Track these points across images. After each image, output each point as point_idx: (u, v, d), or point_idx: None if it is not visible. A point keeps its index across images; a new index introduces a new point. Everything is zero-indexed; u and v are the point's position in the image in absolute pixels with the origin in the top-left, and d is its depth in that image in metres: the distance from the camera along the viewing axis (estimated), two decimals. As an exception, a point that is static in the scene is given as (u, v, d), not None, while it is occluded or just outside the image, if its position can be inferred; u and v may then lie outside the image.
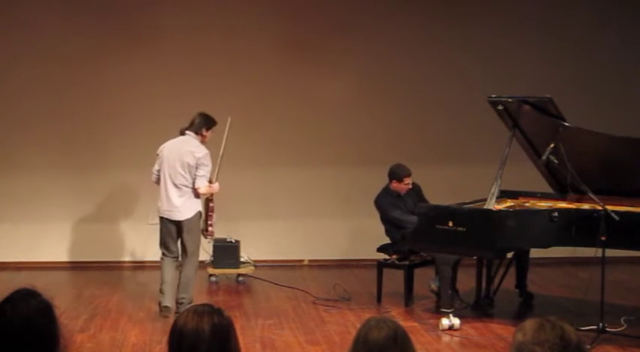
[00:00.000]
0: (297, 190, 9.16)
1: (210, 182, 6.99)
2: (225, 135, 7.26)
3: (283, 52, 9.04)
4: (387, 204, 7.41)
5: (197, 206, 6.90)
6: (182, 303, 6.76)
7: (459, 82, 9.13)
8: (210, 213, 7.15)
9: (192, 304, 6.65)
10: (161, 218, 6.92)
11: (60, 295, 7.24)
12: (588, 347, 5.73)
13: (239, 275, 8.31)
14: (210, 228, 7.15)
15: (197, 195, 6.86)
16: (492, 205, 6.50)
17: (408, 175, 7.38)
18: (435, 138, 9.19)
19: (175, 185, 6.83)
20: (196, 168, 6.78)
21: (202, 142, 6.89)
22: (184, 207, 6.84)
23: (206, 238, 7.29)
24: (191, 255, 6.90)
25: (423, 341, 6.15)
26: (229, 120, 7.28)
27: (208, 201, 7.17)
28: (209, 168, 6.87)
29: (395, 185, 7.40)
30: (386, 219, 7.46)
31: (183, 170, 6.80)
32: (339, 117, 9.15)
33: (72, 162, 8.93)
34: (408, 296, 7.26)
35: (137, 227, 9.01)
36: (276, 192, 9.14)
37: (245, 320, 6.80)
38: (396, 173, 7.39)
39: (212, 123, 6.96)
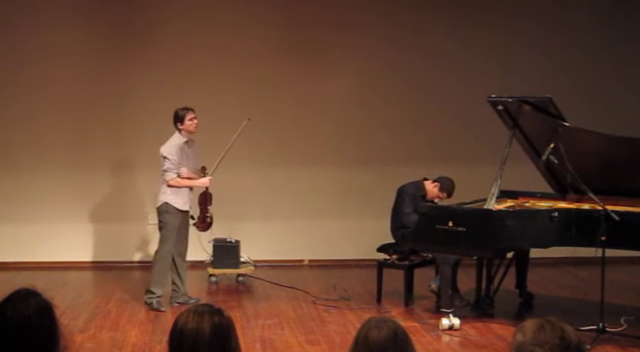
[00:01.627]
0: (297, 190, 9.16)
1: (205, 174, 7.21)
2: (237, 135, 7.38)
3: (283, 52, 9.04)
4: (409, 196, 7.33)
5: (163, 197, 7.06)
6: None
7: (460, 81, 9.13)
8: (205, 206, 7.20)
9: (150, 296, 6.98)
10: None
11: (60, 295, 7.30)
12: (588, 347, 5.73)
13: (239, 275, 8.31)
14: (208, 219, 7.21)
15: (168, 185, 7.02)
16: (492, 205, 6.49)
17: (449, 195, 7.32)
18: (435, 138, 9.19)
19: None
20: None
21: (191, 132, 7.07)
22: (157, 198, 7.13)
23: (198, 229, 7.28)
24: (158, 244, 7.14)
25: (423, 341, 6.15)
26: (246, 121, 7.37)
27: (203, 194, 7.23)
28: (169, 160, 6.97)
29: (433, 188, 7.32)
30: (396, 207, 7.42)
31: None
32: (340, 117, 9.16)
33: (72, 162, 8.93)
34: (408, 296, 7.26)
35: (138, 227, 9.01)
36: (276, 192, 9.15)
37: (245, 320, 6.80)
38: (446, 184, 7.31)
39: (182, 112, 7.06)
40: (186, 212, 7.19)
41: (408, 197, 7.33)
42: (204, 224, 7.33)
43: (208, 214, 7.32)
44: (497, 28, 9.25)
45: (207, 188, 7.33)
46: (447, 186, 7.33)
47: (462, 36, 9.18)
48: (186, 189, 7.12)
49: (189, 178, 7.12)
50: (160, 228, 7.13)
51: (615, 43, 9.36)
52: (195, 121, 7.08)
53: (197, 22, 8.98)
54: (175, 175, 6.99)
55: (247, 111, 8.84)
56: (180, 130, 7.05)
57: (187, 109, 7.08)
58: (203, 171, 7.28)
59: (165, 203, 7.05)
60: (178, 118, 7.05)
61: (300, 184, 9.17)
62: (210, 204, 7.36)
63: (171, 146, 7.00)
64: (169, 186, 7.02)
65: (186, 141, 7.10)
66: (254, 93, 9.02)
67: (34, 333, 2.50)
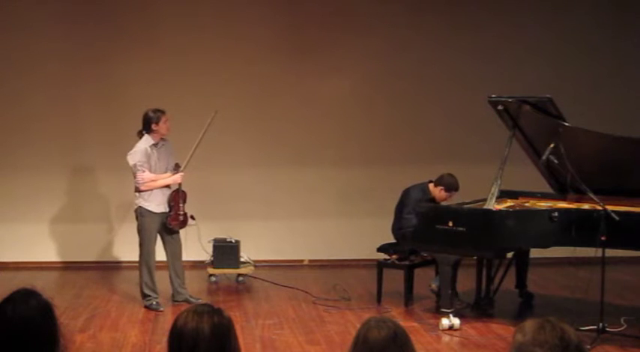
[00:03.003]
0: (297, 190, 9.16)
1: (178, 170, 7.18)
2: (205, 128, 7.31)
3: (283, 52, 9.04)
4: (413, 200, 7.26)
5: (136, 201, 7.12)
6: None
7: (460, 82, 9.13)
8: (177, 203, 7.16)
9: (148, 299, 7.03)
10: None
11: (60, 295, 7.32)
12: (588, 347, 5.73)
13: (239, 275, 8.31)
14: (181, 217, 7.18)
15: (138, 190, 7.07)
16: (492, 205, 6.49)
17: (456, 190, 7.29)
18: (435, 138, 9.19)
19: None
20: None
21: (163, 135, 7.08)
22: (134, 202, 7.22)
23: (169, 226, 7.24)
24: None
25: (423, 341, 6.14)
26: (214, 113, 7.31)
27: (175, 191, 7.19)
28: (134, 164, 6.99)
29: (440, 192, 7.26)
30: (399, 208, 7.41)
31: None
32: (340, 117, 9.16)
33: (72, 162, 8.93)
34: (408, 296, 7.26)
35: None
36: (276, 192, 9.14)
37: (245, 320, 6.80)
38: (450, 183, 7.23)
39: (157, 114, 7.05)
40: (163, 213, 7.16)
41: (412, 201, 7.30)
42: (176, 221, 7.24)
43: (181, 212, 7.22)
44: (497, 28, 9.25)
45: (180, 185, 7.27)
46: (451, 185, 7.27)
47: (462, 36, 9.18)
48: (160, 190, 7.11)
49: (155, 180, 7.09)
50: (138, 232, 7.16)
51: (615, 43, 9.36)
52: (168, 123, 7.10)
53: (195, 21, 8.98)
54: (144, 179, 7.01)
55: (248, 112, 8.88)
56: (152, 132, 7.04)
57: (161, 111, 7.07)
58: (177, 169, 7.23)
59: (139, 207, 7.09)
60: (152, 120, 7.02)
61: (300, 184, 9.17)
62: (184, 202, 7.26)
63: (136, 152, 7.01)
64: (141, 191, 7.05)
65: (154, 144, 7.09)
66: (254, 93, 9.02)
67: (34, 333, 2.50)
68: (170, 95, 8.62)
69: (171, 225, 7.19)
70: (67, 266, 8.89)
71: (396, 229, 7.39)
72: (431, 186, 7.36)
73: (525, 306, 7.39)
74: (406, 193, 7.41)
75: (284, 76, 9.08)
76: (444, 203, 7.27)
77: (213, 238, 8.28)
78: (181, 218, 7.24)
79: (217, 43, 8.99)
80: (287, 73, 9.07)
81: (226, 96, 8.77)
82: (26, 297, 2.56)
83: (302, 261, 9.21)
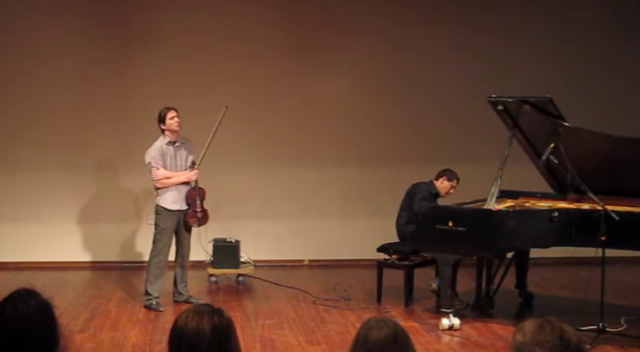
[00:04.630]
0: (297, 190, 9.17)
1: (193, 167, 7.20)
2: (217, 124, 7.34)
3: (284, 52, 9.04)
4: (423, 191, 7.36)
5: (155, 199, 7.17)
6: None
7: (460, 81, 9.13)
8: (194, 200, 7.16)
9: (148, 298, 7.03)
10: None
11: (60, 295, 7.31)
12: (588, 347, 5.73)
13: (239, 275, 8.31)
14: (199, 214, 7.17)
15: (156, 188, 7.13)
16: (492, 205, 6.49)
17: (458, 181, 7.42)
18: (435, 139, 9.19)
19: None
20: None
21: (174, 130, 7.08)
22: None
23: (188, 223, 7.24)
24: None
25: (423, 341, 6.15)
26: (225, 109, 7.34)
27: (192, 189, 7.19)
28: (148, 162, 7.06)
29: (443, 183, 7.39)
30: (407, 200, 7.42)
31: None
32: (340, 117, 9.16)
33: (72, 162, 8.93)
34: (408, 296, 7.27)
35: (137, 227, 9.02)
36: (276, 192, 9.15)
37: (245, 320, 6.80)
38: (451, 173, 7.43)
39: (163, 112, 7.11)
40: (179, 211, 7.17)
41: (423, 189, 7.38)
42: (194, 219, 7.24)
43: (198, 209, 7.23)
44: (497, 28, 9.25)
45: (196, 182, 7.28)
46: (453, 174, 7.43)
47: (462, 36, 9.18)
48: (175, 188, 7.13)
49: (170, 177, 7.10)
50: (154, 230, 7.20)
51: (615, 43, 9.36)
52: (176, 120, 7.09)
53: (198, 22, 8.98)
54: (157, 176, 7.04)
55: (248, 112, 8.88)
56: (163, 131, 7.10)
57: (168, 108, 7.11)
58: (192, 166, 7.25)
59: (157, 205, 7.14)
60: (160, 119, 7.10)
61: (300, 184, 9.17)
62: (202, 198, 7.27)
63: (152, 149, 7.09)
64: (157, 188, 7.10)
65: (171, 142, 7.10)
66: (255, 93, 9.02)
67: (34, 333, 2.50)
68: (171, 96, 8.60)
69: (189, 222, 7.22)
70: (68, 267, 8.87)
71: (402, 224, 7.39)
72: (434, 182, 7.42)
73: (525, 306, 7.40)
74: (415, 186, 7.50)
75: (284, 76, 9.08)
76: (445, 201, 7.30)
77: (213, 238, 8.28)
78: (199, 215, 7.25)
79: (219, 44, 8.99)
80: (287, 73, 9.07)
81: (227, 96, 8.75)
82: (26, 297, 2.56)
83: (302, 261, 9.21)
